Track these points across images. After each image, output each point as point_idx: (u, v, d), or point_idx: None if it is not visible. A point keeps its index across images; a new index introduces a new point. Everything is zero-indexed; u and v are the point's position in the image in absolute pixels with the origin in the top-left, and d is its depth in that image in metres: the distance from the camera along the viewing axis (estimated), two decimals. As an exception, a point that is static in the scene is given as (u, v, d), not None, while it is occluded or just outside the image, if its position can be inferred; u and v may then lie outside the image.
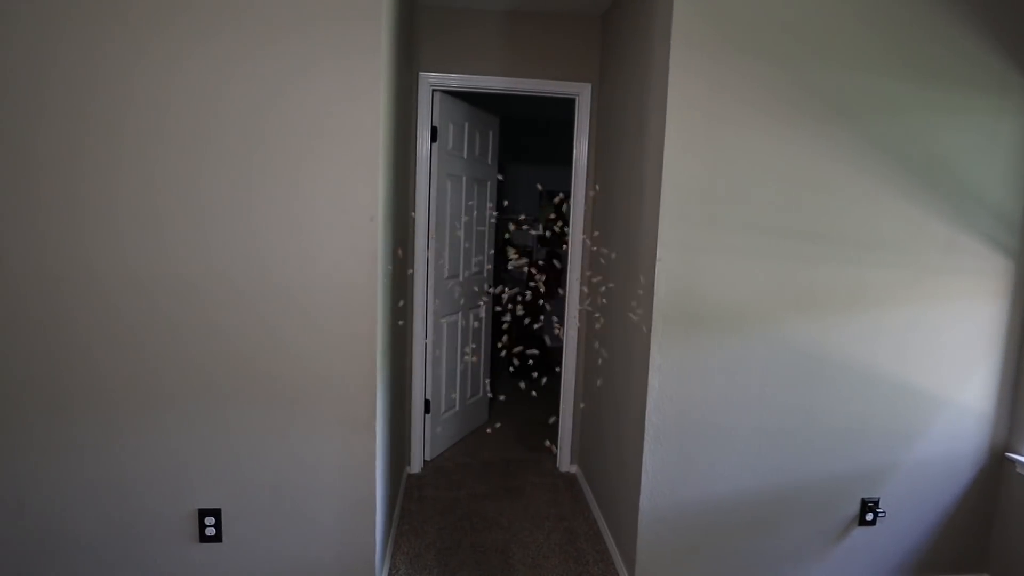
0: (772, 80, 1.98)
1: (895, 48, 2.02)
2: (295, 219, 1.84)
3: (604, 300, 2.71)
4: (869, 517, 2.20)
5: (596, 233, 2.92)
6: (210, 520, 1.94)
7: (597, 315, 2.83)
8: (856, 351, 2.13)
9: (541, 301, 3.82)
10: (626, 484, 2.26)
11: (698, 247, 2.02)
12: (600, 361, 2.76)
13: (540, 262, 5.18)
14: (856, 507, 2.21)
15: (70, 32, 1.71)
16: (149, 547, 1.94)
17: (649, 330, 2.05)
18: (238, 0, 1.75)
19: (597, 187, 2.94)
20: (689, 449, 2.10)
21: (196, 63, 1.75)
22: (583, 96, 2.95)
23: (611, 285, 2.58)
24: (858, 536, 2.23)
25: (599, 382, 2.76)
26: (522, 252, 5.67)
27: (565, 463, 3.18)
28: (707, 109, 1.97)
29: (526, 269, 5.06)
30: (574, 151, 3.01)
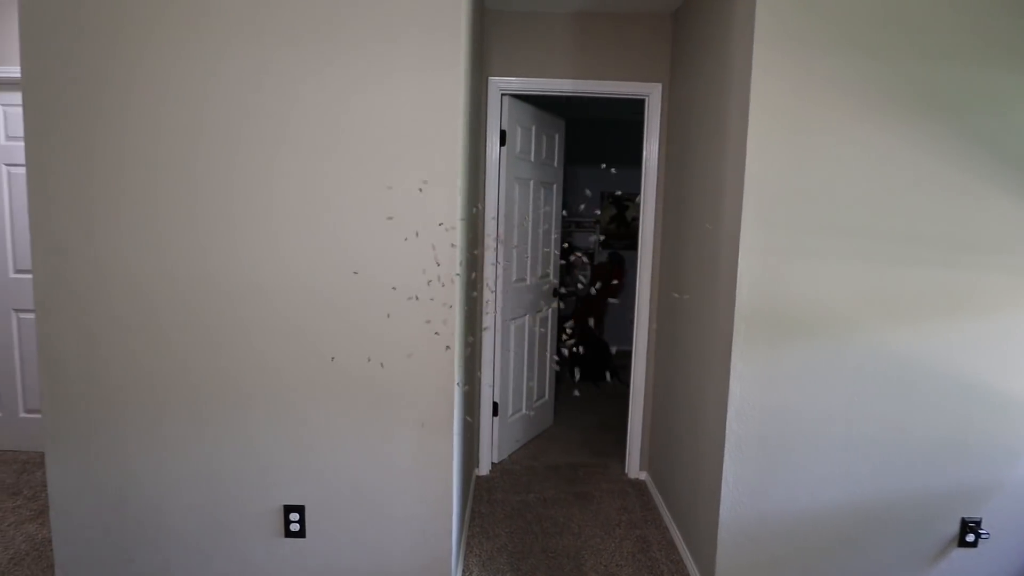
0: (861, 73, 1.89)
1: (996, 37, 1.89)
2: (377, 223, 1.88)
3: (677, 303, 2.65)
4: (970, 538, 2.06)
5: (666, 236, 2.86)
6: (294, 516, 2.01)
7: (669, 318, 2.77)
8: (955, 360, 2.00)
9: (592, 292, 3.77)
10: (703, 494, 2.20)
11: (782, 250, 1.94)
12: (672, 366, 2.70)
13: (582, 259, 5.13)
14: (955, 527, 2.08)
15: (186, 46, 1.81)
16: (238, 540, 2.03)
17: (730, 335, 1.98)
18: (332, 8, 1.81)
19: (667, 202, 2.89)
20: (772, 459, 2.03)
21: (315, 88, 1.83)
22: (653, 96, 2.90)
23: (684, 288, 2.52)
24: (957, 558, 2.10)
25: (671, 388, 2.71)
26: (583, 254, 5.63)
27: (634, 469, 3.12)
28: (791, 105, 1.90)
29: (588, 267, 5.02)
30: (644, 152, 2.97)
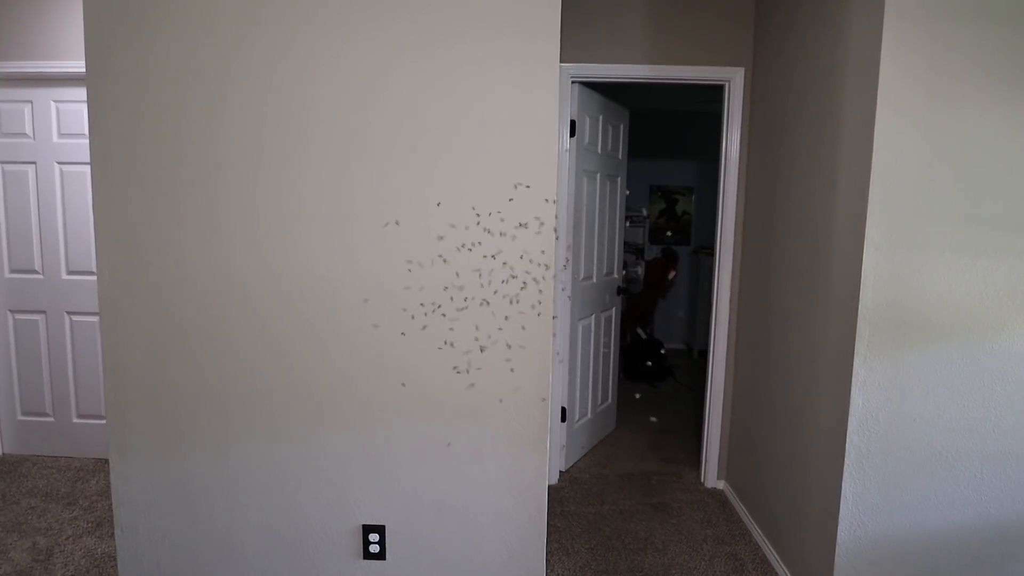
0: (1003, 48, 1.68)
1: None
2: (465, 228, 1.73)
3: (767, 304, 2.46)
4: (1122, 564, 1.85)
5: (748, 231, 2.67)
6: (374, 537, 1.87)
7: (757, 319, 2.58)
8: (1107, 367, 1.79)
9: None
10: (813, 511, 2.01)
11: (912, 245, 1.75)
12: (760, 371, 2.51)
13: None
14: (1104, 552, 1.87)
15: (259, 38, 1.68)
16: (314, 561, 1.89)
17: (851, 339, 1.79)
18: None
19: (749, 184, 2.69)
20: (897, 476, 1.84)
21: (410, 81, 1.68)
22: (735, 81, 2.70)
23: (783, 287, 2.32)
24: (1105, 586, 1.89)
25: (759, 394, 2.52)
26: (631, 248, 5.43)
27: (711, 479, 2.94)
28: (924, 85, 1.70)
29: (639, 270, 4.83)
30: (723, 142, 2.77)
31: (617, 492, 2.87)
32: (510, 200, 1.73)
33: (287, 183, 1.73)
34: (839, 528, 1.85)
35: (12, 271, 3.01)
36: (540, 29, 1.68)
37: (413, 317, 1.77)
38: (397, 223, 1.73)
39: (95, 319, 3.01)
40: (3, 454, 3.11)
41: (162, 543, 1.90)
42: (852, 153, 1.82)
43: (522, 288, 1.75)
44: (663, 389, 4.50)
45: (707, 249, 5.54)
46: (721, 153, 2.79)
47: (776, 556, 2.29)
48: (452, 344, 1.78)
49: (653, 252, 5.56)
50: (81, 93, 2.89)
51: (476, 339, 1.78)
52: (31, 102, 2.92)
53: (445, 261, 1.75)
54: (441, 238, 1.74)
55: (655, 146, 5.50)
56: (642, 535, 2.50)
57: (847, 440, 1.82)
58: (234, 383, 1.82)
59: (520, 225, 1.73)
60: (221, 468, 1.86)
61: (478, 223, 1.73)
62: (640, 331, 4.18)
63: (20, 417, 3.10)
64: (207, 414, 1.84)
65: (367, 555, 1.88)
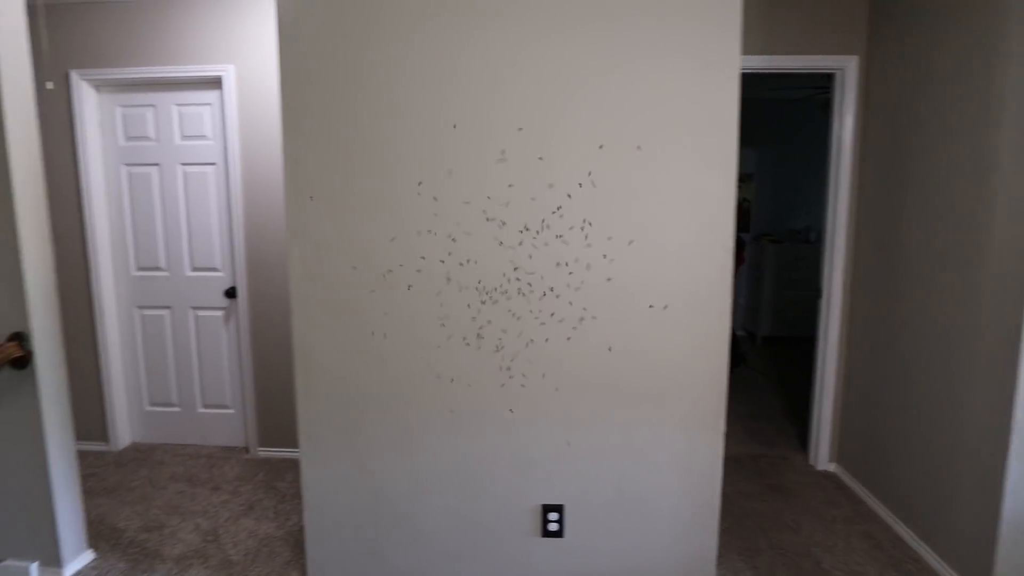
0: None
1: None
2: (649, 217, 1.81)
3: (891, 293, 2.52)
4: None
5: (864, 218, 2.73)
6: (553, 516, 1.96)
7: (884, 307, 2.64)
8: None
9: None
10: (965, 488, 2.08)
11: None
12: (887, 359, 2.57)
13: None
14: None
15: (432, 35, 1.76)
16: (492, 539, 1.99)
17: (1019, 323, 1.86)
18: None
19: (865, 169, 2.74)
20: (1058, 453, 1.91)
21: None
22: (848, 70, 2.75)
23: (913, 274, 2.38)
24: None
25: (884, 380, 2.58)
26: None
27: (822, 461, 3.02)
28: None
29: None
30: (834, 129, 2.83)
31: (733, 474, 2.95)
32: (693, 195, 1.80)
33: (475, 179, 1.81)
34: (1004, 502, 1.93)
35: (139, 269, 3.12)
36: (722, 16, 1.74)
37: (597, 308, 1.85)
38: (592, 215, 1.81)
39: (218, 313, 3.11)
40: (133, 442, 3.23)
41: (348, 524, 2.01)
42: (1018, 145, 1.87)
43: (705, 280, 1.83)
44: (738, 375, 4.57)
45: (769, 236, 5.58)
46: (831, 141, 2.84)
47: (911, 533, 2.37)
48: (634, 333, 1.86)
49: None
50: (201, 96, 2.98)
51: (657, 327, 1.85)
52: (154, 106, 3.02)
53: (635, 255, 1.83)
54: (635, 233, 1.82)
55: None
56: (770, 515, 2.58)
57: (1013, 419, 1.89)
58: (418, 373, 1.91)
59: (701, 222, 1.81)
60: (407, 453, 1.96)
61: (660, 221, 1.81)
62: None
63: (147, 407, 3.22)
64: (392, 402, 1.93)
65: (546, 533, 1.97)
